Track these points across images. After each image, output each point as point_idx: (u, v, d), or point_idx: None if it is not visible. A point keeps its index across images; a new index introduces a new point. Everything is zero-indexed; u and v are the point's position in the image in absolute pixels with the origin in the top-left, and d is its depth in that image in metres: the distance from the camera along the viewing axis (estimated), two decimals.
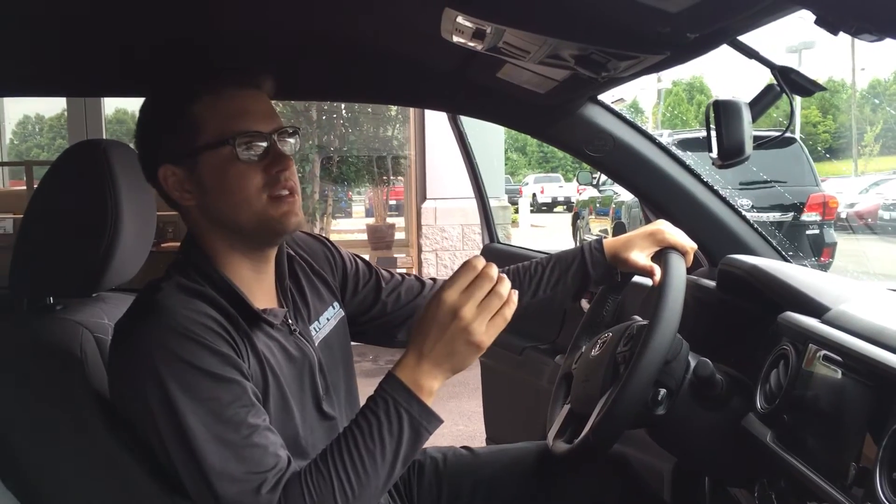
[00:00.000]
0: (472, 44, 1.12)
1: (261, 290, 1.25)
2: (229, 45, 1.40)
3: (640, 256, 1.50)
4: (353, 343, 1.45)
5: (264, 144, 1.17)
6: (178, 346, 1.06)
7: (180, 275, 1.18)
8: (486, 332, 1.08)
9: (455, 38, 1.13)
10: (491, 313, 1.09)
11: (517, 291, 1.13)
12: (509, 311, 1.10)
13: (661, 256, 1.46)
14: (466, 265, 1.11)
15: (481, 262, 1.11)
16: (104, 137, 6.02)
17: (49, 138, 20.34)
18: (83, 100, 5.96)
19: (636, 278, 1.69)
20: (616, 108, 1.72)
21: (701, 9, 0.78)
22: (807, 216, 7.79)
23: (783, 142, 1.48)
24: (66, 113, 6.61)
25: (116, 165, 1.24)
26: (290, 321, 1.26)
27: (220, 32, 1.37)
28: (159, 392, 1.05)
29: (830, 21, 0.67)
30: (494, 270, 1.11)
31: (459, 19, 1.03)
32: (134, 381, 1.08)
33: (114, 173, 1.23)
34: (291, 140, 1.21)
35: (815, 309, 1.27)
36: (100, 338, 1.26)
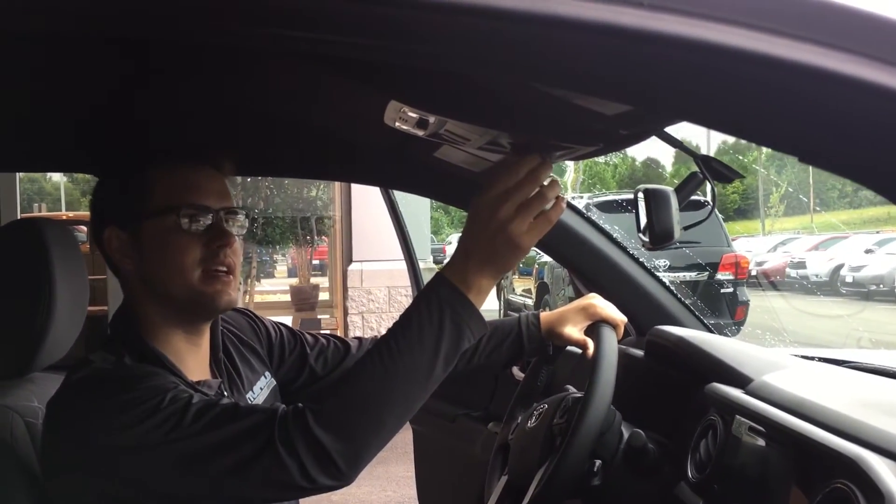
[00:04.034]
0: (414, 131, 1.17)
1: (195, 361, 1.24)
2: (178, 120, 1.42)
3: (574, 331, 1.55)
4: None
5: (209, 219, 1.18)
6: (113, 407, 1.05)
7: (110, 352, 1.16)
8: (527, 232, 1.02)
9: (398, 125, 1.18)
10: (532, 214, 1.03)
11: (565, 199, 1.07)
12: (555, 215, 1.06)
13: (593, 330, 1.51)
14: (507, 169, 1.05)
15: (525, 167, 1.04)
16: (18, 198, 5.84)
17: None
18: None
19: (567, 346, 1.74)
20: None
21: (634, 113, 0.85)
22: (721, 275, 8.11)
23: (697, 205, 1.58)
24: None
25: (52, 245, 1.22)
26: (224, 392, 1.25)
27: (173, 109, 1.39)
28: (105, 459, 1.03)
29: None
30: (542, 174, 1.05)
31: (405, 110, 1.08)
32: (77, 458, 1.06)
33: (49, 254, 1.22)
34: (239, 220, 1.23)
35: (739, 380, 1.34)
36: (30, 422, 1.22)
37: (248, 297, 10.26)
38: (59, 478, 1.10)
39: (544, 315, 1.60)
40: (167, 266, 1.17)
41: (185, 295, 1.18)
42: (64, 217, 9.79)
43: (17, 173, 5.86)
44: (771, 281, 15.99)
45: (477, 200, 1.05)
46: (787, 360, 1.49)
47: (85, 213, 11.10)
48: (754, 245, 19.53)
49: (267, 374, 1.40)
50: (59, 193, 30.21)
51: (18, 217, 5.01)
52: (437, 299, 1.04)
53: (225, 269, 1.19)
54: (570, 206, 1.82)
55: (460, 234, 1.08)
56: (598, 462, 1.40)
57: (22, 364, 1.25)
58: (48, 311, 1.21)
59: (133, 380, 1.08)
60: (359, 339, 1.58)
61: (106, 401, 1.06)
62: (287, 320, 8.57)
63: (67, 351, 1.32)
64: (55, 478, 1.11)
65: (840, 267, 15.14)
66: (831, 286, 15.03)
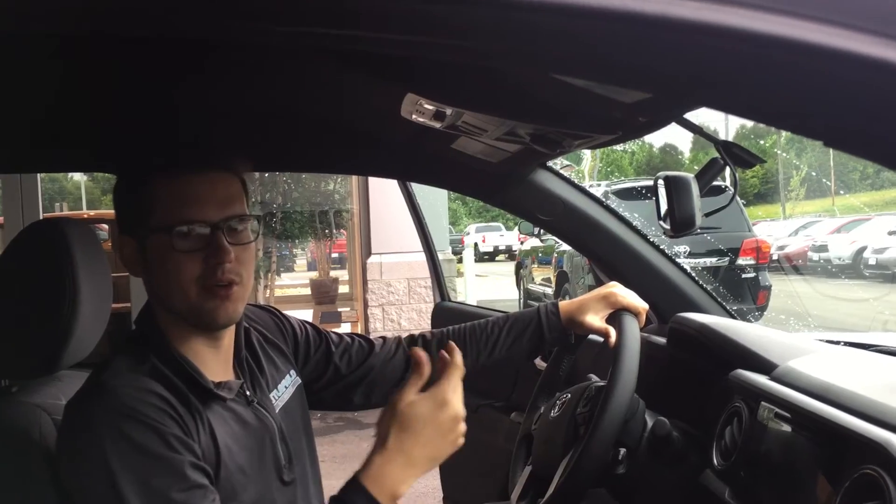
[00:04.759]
0: (431, 123, 1.16)
1: (217, 362, 1.24)
2: (194, 119, 1.42)
3: (595, 319, 1.54)
4: None
5: (206, 235, 1.16)
6: (125, 428, 1.05)
7: (131, 351, 1.17)
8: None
9: (415, 117, 1.17)
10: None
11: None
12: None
13: (615, 318, 1.51)
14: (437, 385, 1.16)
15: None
16: (40, 198, 5.91)
17: None
18: None
19: (589, 335, 1.74)
20: (565, 173, 1.78)
21: (652, 100, 0.84)
22: (742, 260, 8.04)
23: (717, 190, 1.58)
24: None
25: (74, 245, 1.23)
26: (247, 392, 1.26)
27: (186, 107, 1.39)
28: (104, 475, 1.03)
29: None
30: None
31: (421, 102, 1.07)
32: (80, 464, 1.07)
33: (72, 253, 1.22)
34: (244, 228, 1.20)
35: (764, 366, 1.33)
36: (57, 420, 1.23)
37: (268, 291, 10.32)
38: (68, 479, 1.11)
39: (564, 304, 1.59)
40: (167, 281, 1.17)
41: (185, 310, 1.18)
42: (85, 216, 9.87)
43: (39, 174, 5.92)
44: (793, 265, 15.83)
45: (412, 407, 1.11)
46: (812, 344, 1.48)
47: (105, 212, 11.22)
48: (775, 229, 19.34)
49: (292, 372, 1.40)
50: (80, 192, 30.50)
51: (41, 216, 5.07)
52: None
53: (225, 283, 1.17)
54: (591, 196, 1.81)
55: (376, 442, 1.10)
56: (622, 450, 1.40)
57: (48, 363, 1.26)
58: (72, 310, 1.22)
59: (143, 409, 1.09)
60: (383, 338, 1.58)
61: (118, 427, 1.06)
62: (308, 313, 8.61)
63: (93, 348, 1.33)
64: (66, 479, 1.12)
65: (863, 249, 14.95)
66: (854, 269, 14.86)
